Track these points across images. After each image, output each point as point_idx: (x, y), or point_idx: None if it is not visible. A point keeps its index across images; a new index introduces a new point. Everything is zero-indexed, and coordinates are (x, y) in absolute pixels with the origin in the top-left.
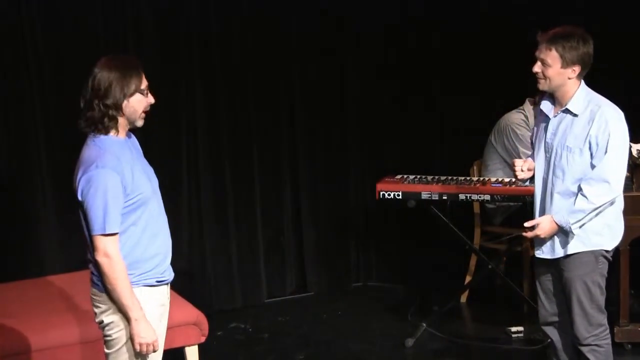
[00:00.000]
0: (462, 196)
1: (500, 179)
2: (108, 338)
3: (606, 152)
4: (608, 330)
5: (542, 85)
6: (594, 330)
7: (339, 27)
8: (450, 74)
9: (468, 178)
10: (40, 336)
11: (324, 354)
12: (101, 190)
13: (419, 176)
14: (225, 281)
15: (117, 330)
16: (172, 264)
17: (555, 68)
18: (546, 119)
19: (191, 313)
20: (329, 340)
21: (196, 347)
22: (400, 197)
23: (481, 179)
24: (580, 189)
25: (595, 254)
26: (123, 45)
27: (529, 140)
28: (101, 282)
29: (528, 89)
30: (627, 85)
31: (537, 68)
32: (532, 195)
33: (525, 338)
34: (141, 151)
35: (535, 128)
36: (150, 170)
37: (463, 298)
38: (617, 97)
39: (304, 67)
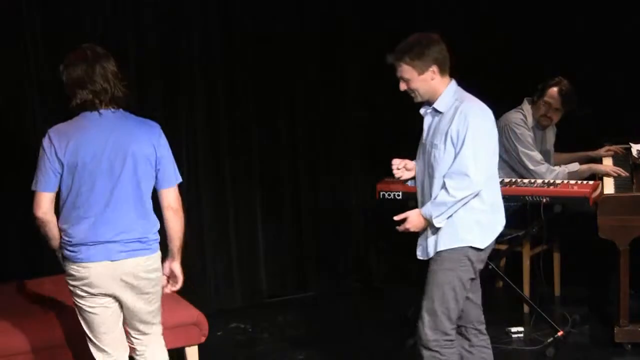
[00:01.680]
0: None
1: (500, 179)
2: (156, 294)
3: (463, 145)
4: (454, 346)
5: (417, 99)
6: (439, 336)
7: (339, 27)
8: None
9: None
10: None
11: (323, 354)
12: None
13: None
14: (225, 281)
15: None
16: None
17: (414, 79)
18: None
19: (191, 313)
20: (328, 340)
21: (196, 347)
22: (400, 197)
23: None
24: (443, 182)
25: (463, 252)
26: (124, 46)
27: (529, 140)
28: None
29: (526, 89)
30: None
31: (402, 87)
32: (532, 195)
33: (525, 338)
34: None
35: None
36: None
37: None
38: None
39: (304, 66)
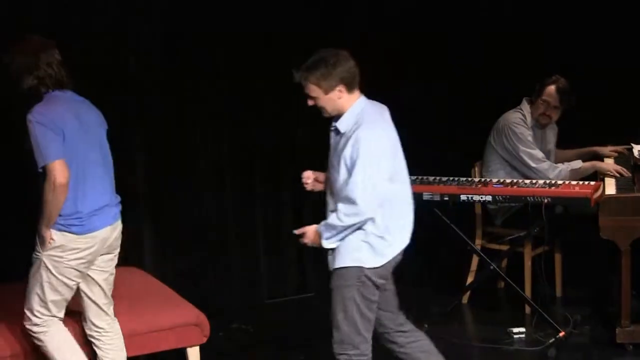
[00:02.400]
0: (463, 197)
1: (501, 180)
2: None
3: (354, 172)
4: (365, 359)
5: (326, 114)
6: (348, 350)
7: (338, 27)
8: (450, 75)
9: (469, 179)
10: None
11: (324, 355)
12: None
13: (420, 177)
14: (226, 281)
15: None
16: (174, 263)
17: (320, 98)
18: None
19: (192, 313)
20: (329, 341)
21: (197, 347)
22: None
23: (482, 179)
24: (337, 205)
25: (357, 270)
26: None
27: (529, 139)
28: None
29: (525, 89)
30: None
31: (309, 102)
32: (534, 196)
33: (527, 339)
34: None
35: None
36: None
37: (465, 299)
38: None
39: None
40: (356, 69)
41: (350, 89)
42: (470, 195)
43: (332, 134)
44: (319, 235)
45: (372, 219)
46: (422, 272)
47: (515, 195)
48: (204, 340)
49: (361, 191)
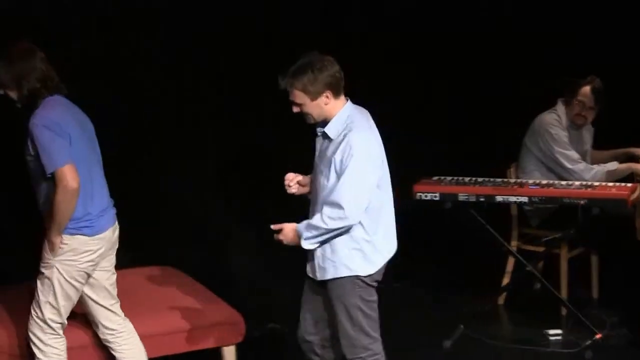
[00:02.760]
0: (499, 198)
1: (537, 181)
2: None
3: (343, 176)
4: (378, 357)
5: (310, 121)
6: (360, 353)
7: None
8: (487, 75)
9: (505, 180)
10: None
11: None
12: None
13: (456, 178)
14: (262, 281)
15: None
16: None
17: (307, 104)
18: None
19: (228, 312)
20: None
21: (233, 347)
22: (437, 198)
23: (518, 180)
24: (321, 207)
25: (350, 279)
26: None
27: (564, 140)
28: None
29: (561, 90)
30: None
31: (295, 109)
32: (570, 197)
33: (563, 341)
34: None
35: None
36: None
37: (500, 300)
38: None
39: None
40: (341, 74)
41: (336, 94)
42: (506, 197)
43: (319, 139)
44: (297, 234)
45: (360, 225)
46: (458, 273)
47: (551, 197)
48: (240, 339)
49: (348, 196)
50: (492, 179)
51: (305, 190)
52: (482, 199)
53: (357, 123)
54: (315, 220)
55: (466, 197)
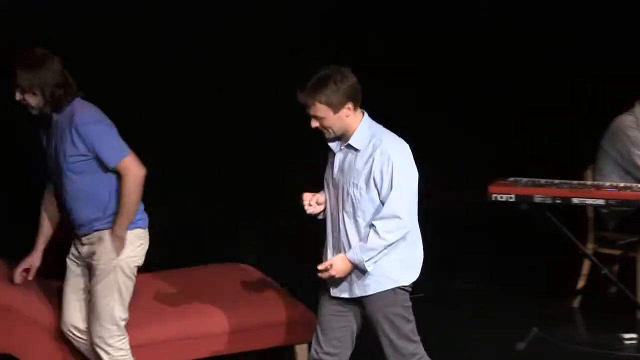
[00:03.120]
0: (575, 200)
1: (614, 184)
2: None
3: (392, 187)
4: (425, 357)
5: (329, 135)
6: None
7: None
8: (562, 80)
9: (582, 182)
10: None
11: (435, 354)
12: None
13: (532, 179)
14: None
15: None
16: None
17: (329, 117)
18: (333, 154)
19: (300, 310)
20: (438, 341)
21: (305, 345)
22: (513, 199)
23: (595, 183)
24: (372, 225)
25: (392, 290)
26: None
27: None
28: None
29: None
30: None
31: (314, 124)
32: None
33: (638, 345)
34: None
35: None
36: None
37: (575, 303)
38: None
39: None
40: (360, 85)
41: (356, 105)
42: (582, 199)
43: (341, 154)
44: (350, 263)
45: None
46: (533, 275)
47: (628, 200)
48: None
49: (402, 204)
50: (568, 181)
51: (320, 208)
52: (558, 201)
53: (383, 131)
54: (373, 240)
55: (542, 198)
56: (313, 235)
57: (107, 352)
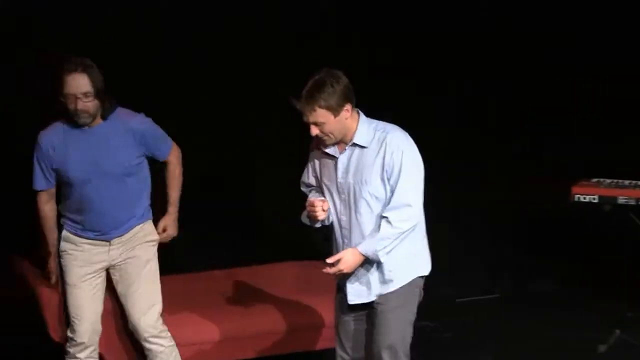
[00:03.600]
0: None
1: None
2: None
3: (401, 176)
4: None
5: (330, 141)
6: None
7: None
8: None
9: None
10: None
11: (514, 356)
12: None
13: (615, 180)
14: None
15: None
16: None
17: (330, 122)
18: (333, 158)
19: None
20: (514, 342)
21: None
22: (596, 200)
23: None
24: (384, 217)
25: (415, 283)
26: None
27: None
28: None
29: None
30: None
31: (314, 132)
32: None
33: None
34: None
35: (320, 169)
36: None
37: None
38: None
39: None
40: (351, 85)
41: (353, 106)
42: None
43: (344, 155)
44: (361, 256)
45: (413, 228)
46: (615, 277)
47: None
48: None
49: (413, 193)
50: None
51: (325, 214)
52: None
53: (384, 124)
54: (385, 230)
55: (626, 200)
56: None
57: (163, 338)
